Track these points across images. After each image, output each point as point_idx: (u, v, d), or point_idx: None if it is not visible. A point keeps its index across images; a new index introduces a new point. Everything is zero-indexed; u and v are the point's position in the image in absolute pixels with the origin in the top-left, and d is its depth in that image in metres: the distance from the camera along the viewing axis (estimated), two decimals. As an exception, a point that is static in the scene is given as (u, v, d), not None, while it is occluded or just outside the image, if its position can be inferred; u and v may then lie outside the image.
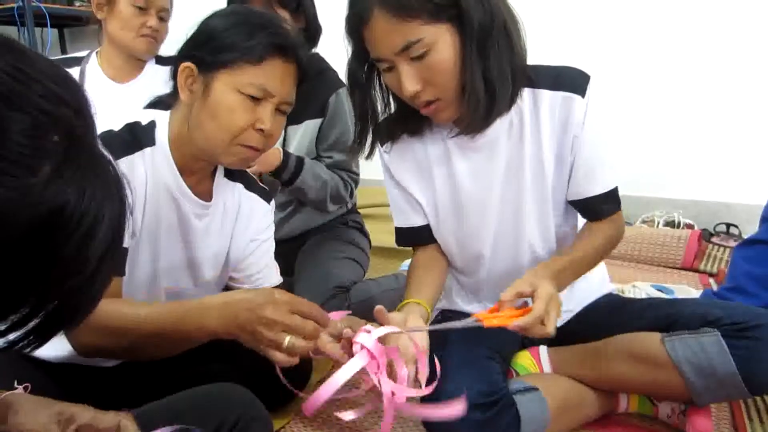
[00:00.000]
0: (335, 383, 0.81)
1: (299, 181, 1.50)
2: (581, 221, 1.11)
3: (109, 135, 0.91)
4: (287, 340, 0.81)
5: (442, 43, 0.88)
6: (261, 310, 0.81)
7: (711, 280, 1.94)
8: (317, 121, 1.59)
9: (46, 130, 0.36)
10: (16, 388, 0.68)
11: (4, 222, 0.34)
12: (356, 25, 0.91)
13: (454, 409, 0.83)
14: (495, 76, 0.90)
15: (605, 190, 1.03)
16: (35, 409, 0.63)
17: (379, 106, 1.03)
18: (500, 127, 1.00)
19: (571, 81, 0.98)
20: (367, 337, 0.84)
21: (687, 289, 1.76)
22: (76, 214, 0.37)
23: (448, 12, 0.87)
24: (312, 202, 1.60)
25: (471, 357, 1.02)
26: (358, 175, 1.66)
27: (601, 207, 1.04)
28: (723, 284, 1.49)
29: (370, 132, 1.02)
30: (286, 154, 1.48)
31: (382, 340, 0.86)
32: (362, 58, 0.96)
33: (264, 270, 1.13)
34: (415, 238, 1.13)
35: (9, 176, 0.34)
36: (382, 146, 1.09)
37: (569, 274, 0.99)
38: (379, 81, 1.01)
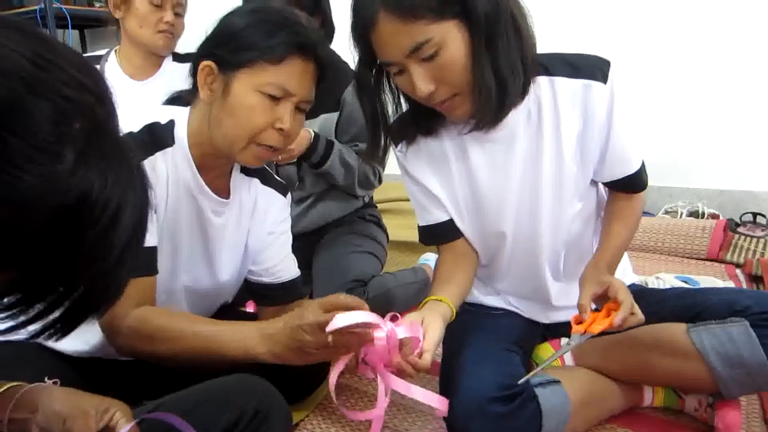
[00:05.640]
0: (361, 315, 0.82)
1: (328, 165, 1.52)
2: (589, 203, 1.10)
3: (129, 137, 0.92)
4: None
5: (451, 40, 0.86)
6: (299, 334, 0.82)
7: (738, 271, 1.89)
8: (333, 115, 1.59)
9: (69, 117, 0.36)
10: (46, 383, 0.68)
11: (31, 209, 0.34)
12: (362, 31, 0.90)
13: (443, 404, 0.89)
14: (505, 68, 0.88)
15: (639, 167, 1.05)
16: (71, 398, 0.64)
17: (390, 109, 1.02)
18: (518, 117, 0.99)
19: (591, 68, 0.97)
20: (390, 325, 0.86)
21: (713, 280, 1.73)
22: (100, 200, 0.37)
23: (453, 8, 0.85)
24: (340, 186, 1.62)
25: (490, 350, 1.01)
26: (379, 163, 1.66)
27: (637, 182, 1.06)
28: None
29: (383, 136, 1.02)
30: (316, 137, 1.49)
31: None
32: (370, 63, 0.95)
33: (282, 263, 1.12)
34: (440, 234, 1.11)
35: (36, 163, 0.34)
36: (396, 147, 1.08)
37: (615, 264, 1.04)
38: (389, 84, 1.00)
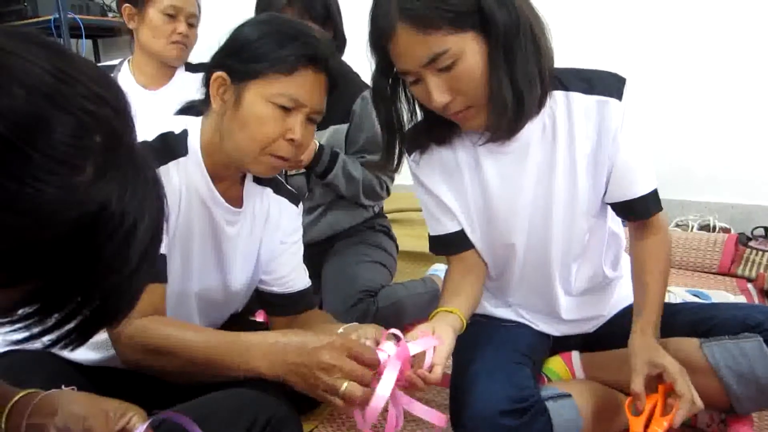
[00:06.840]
0: (383, 395, 0.80)
1: (332, 175, 1.53)
2: (602, 219, 1.08)
3: (143, 145, 0.93)
4: (344, 386, 0.80)
5: (468, 51, 0.86)
6: (317, 354, 0.80)
7: (750, 285, 1.88)
8: (343, 127, 1.60)
9: (89, 130, 0.37)
10: (63, 389, 0.69)
11: (51, 220, 0.35)
12: (380, 41, 0.90)
13: (440, 419, 0.86)
14: (522, 81, 0.88)
15: (646, 192, 1.00)
16: (91, 401, 0.64)
17: (405, 117, 1.02)
18: (532, 130, 0.98)
19: (606, 85, 0.97)
20: (391, 345, 0.85)
21: (724, 294, 1.71)
22: (117, 212, 0.38)
23: (472, 19, 0.85)
24: (345, 196, 1.63)
25: (501, 362, 1.00)
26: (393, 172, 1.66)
27: (642, 208, 1.02)
28: None
29: (397, 144, 1.01)
30: (321, 148, 1.50)
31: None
32: (387, 72, 0.95)
33: (293, 272, 1.13)
34: (450, 245, 1.10)
35: (56, 175, 0.35)
36: (410, 156, 1.08)
37: (659, 320, 0.99)
38: (405, 93, 1.00)
